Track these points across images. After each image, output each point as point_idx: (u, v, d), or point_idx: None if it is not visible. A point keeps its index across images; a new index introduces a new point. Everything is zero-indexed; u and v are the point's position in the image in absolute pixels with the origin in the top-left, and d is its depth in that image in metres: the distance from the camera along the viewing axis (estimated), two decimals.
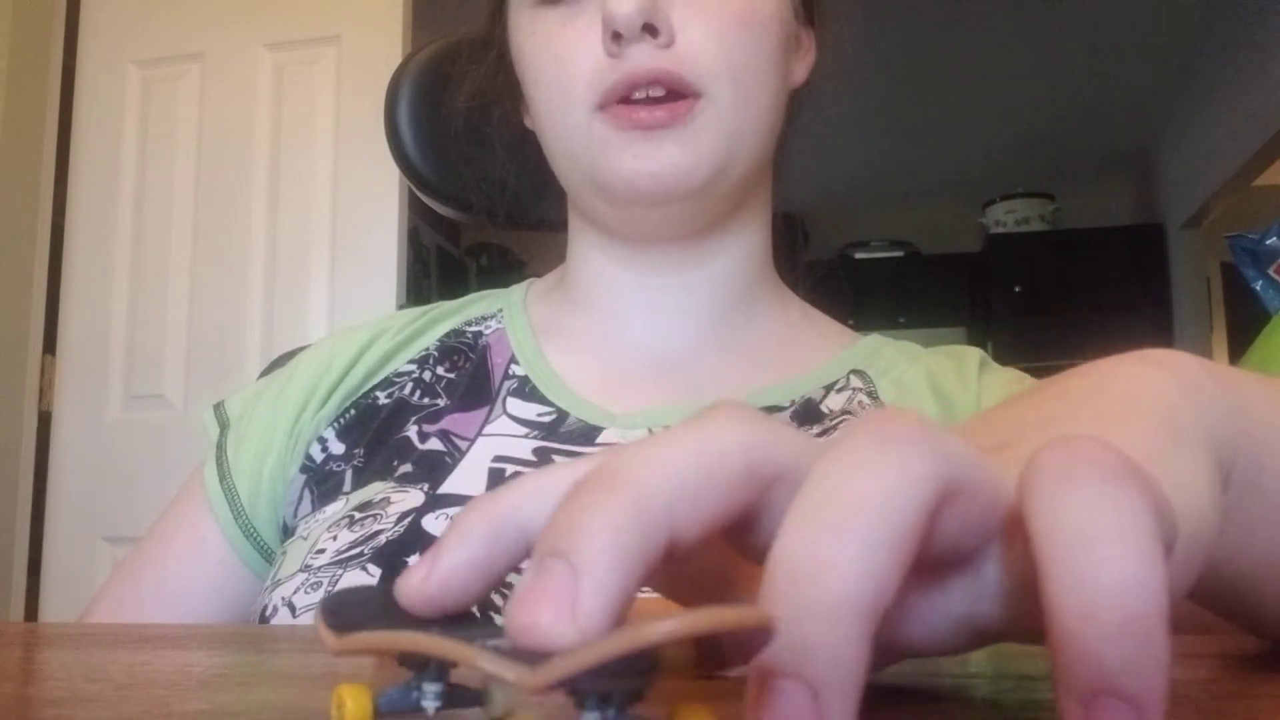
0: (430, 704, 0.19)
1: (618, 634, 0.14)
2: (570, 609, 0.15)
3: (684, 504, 0.17)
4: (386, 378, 0.62)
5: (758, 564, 0.19)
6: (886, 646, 0.19)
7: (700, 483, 0.17)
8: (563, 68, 0.55)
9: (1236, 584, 0.26)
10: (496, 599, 0.46)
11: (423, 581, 0.19)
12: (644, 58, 0.53)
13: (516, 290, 0.68)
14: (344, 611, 0.20)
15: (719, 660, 0.16)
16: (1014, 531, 0.18)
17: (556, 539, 0.16)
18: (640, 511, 0.16)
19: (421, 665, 0.19)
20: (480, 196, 0.70)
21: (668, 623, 0.14)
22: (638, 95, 0.53)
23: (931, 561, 0.18)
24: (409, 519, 0.50)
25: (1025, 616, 0.18)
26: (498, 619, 0.18)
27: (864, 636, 0.15)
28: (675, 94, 0.53)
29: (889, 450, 0.16)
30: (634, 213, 0.57)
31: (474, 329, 0.64)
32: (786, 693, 0.15)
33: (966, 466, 0.17)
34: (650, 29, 0.53)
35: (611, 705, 0.16)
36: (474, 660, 0.16)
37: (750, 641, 0.16)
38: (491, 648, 0.16)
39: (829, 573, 0.15)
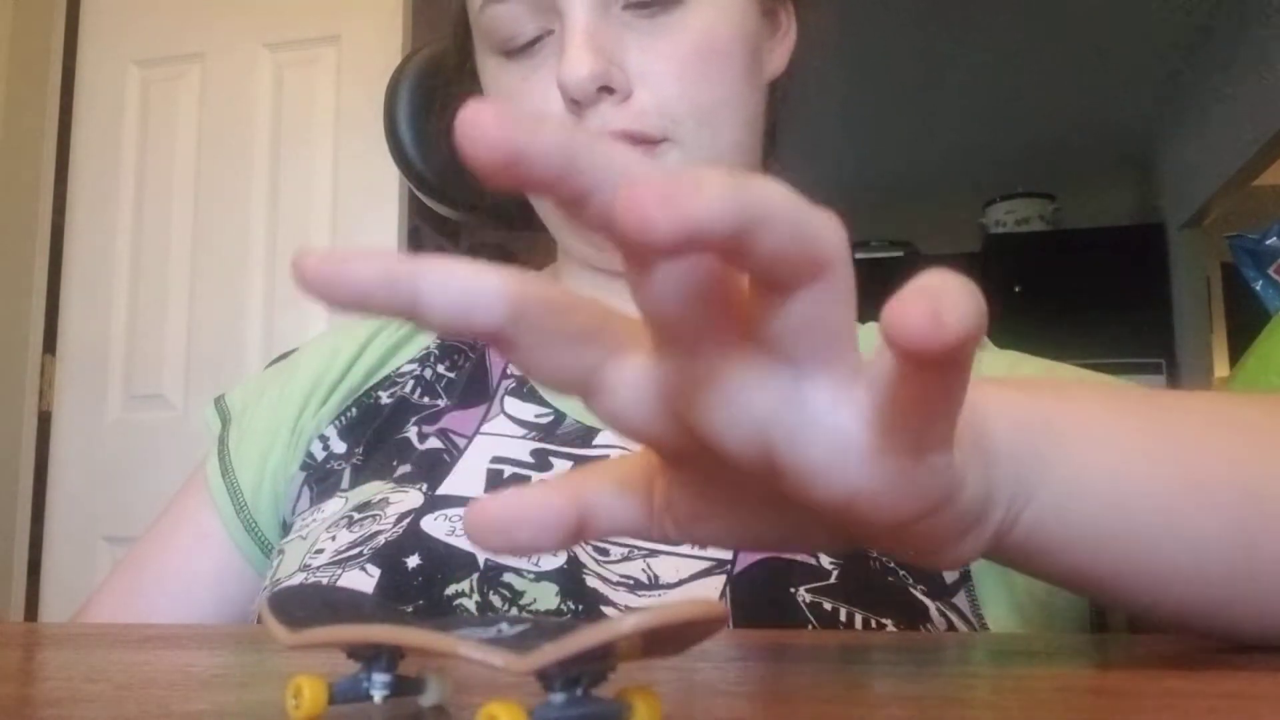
0: (379, 693, 0.21)
1: (593, 628, 0.16)
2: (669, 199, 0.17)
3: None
4: (388, 376, 0.62)
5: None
6: (697, 411, 0.22)
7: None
8: None
9: (1086, 575, 0.29)
10: (495, 600, 0.46)
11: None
12: (604, 119, 0.52)
13: None
14: (293, 609, 0.21)
15: (663, 648, 0.18)
16: None
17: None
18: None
19: (370, 657, 0.21)
20: (480, 197, 0.70)
21: (642, 616, 0.17)
22: None
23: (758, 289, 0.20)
24: (408, 520, 0.50)
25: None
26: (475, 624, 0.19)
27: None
28: (639, 143, 0.53)
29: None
30: (614, 257, 0.57)
31: None
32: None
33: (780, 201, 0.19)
34: (606, 89, 0.52)
35: (579, 686, 0.17)
36: (456, 649, 0.17)
37: (704, 632, 0.18)
38: (471, 638, 0.18)
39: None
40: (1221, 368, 3.46)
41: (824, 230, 0.20)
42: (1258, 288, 2.13)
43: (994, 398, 0.28)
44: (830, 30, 0.63)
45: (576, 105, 0.52)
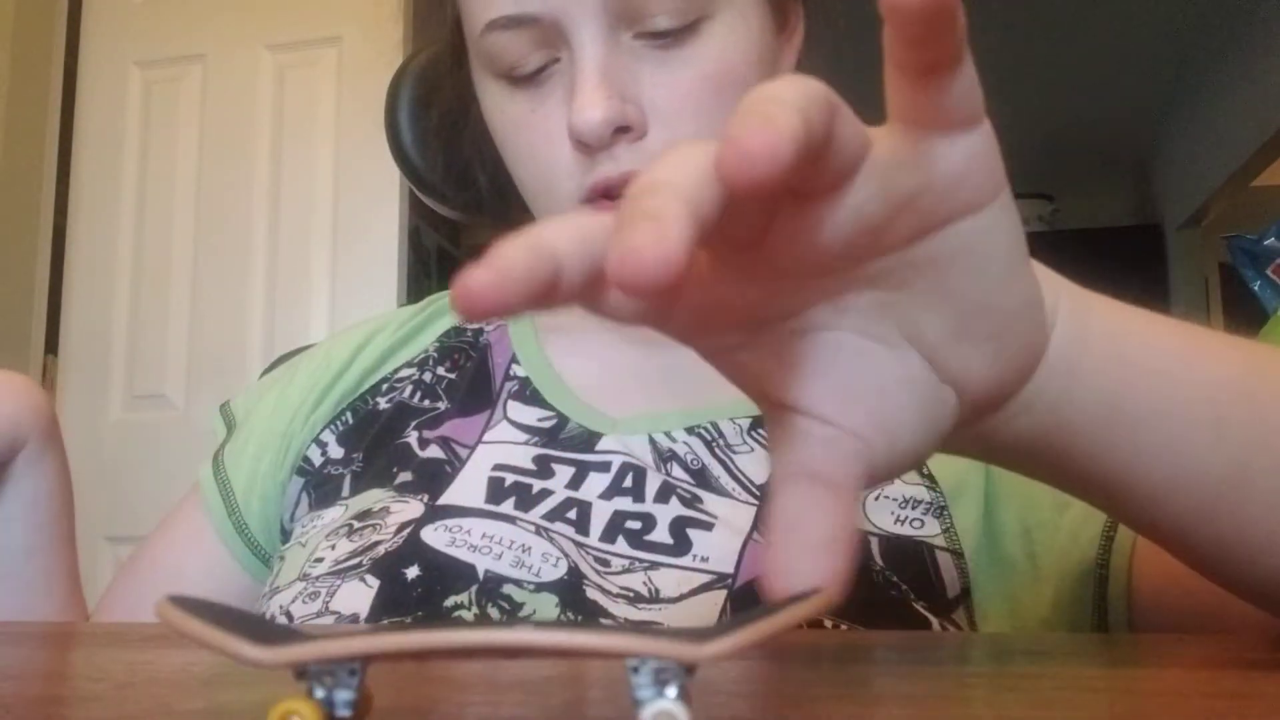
0: (342, 713, 0.18)
1: (754, 625, 0.17)
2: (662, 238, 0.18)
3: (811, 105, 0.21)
4: (386, 379, 0.62)
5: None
6: (816, 251, 0.24)
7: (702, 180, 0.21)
8: (538, 160, 0.53)
9: (1078, 439, 0.30)
10: (494, 612, 0.46)
11: (485, 275, 0.20)
12: (618, 160, 0.50)
13: None
14: (242, 623, 0.19)
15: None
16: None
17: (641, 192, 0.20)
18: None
19: (332, 677, 0.19)
20: (478, 197, 0.70)
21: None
22: (617, 192, 0.51)
23: (829, 174, 0.23)
24: (408, 530, 0.50)
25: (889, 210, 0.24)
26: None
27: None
28: None
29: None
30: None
31: (474, 327, 0.64)
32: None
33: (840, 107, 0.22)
34: (621, 129, 0.50)
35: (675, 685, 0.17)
36: (630, 647, 0.17)
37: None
38: (620, 632, 0.17)
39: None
40: None
41: (820, 89, 0.22)
42: (1256, 288, 2.13)
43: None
44: (834, 29, 0.62)
45: (588, 148, 0.50)
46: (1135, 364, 0.30)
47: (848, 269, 0.25)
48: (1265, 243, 2.10)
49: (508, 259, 0.20)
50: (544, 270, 0.21)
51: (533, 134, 0.53)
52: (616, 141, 0.50)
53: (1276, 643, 0.34)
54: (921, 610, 0.47)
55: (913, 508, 0.51)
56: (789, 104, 0.20)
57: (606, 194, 0.51)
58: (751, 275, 0.25)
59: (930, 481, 0.52)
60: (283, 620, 0.48)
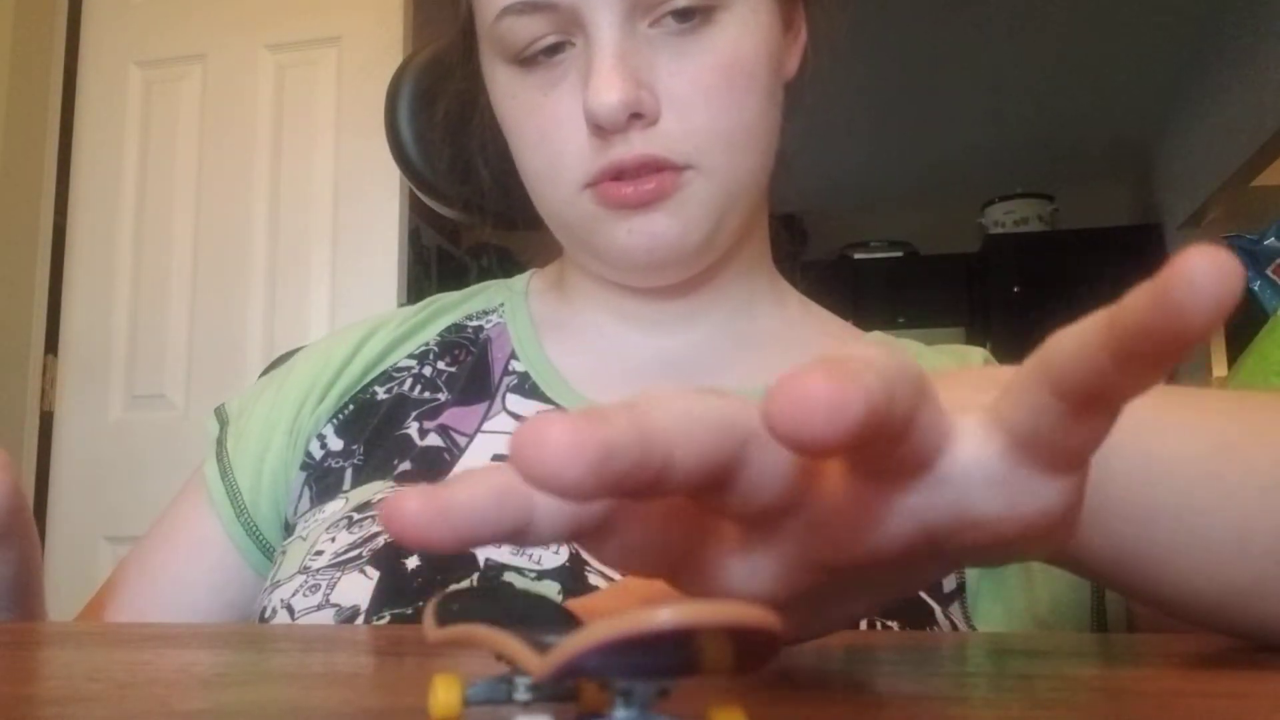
0: (522, 696, 0.19)
1: (614, 621, 0.14)
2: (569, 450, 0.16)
3: (680, 437, 0.18)
4: (386, 372, 0.62)
5: (732, 520, 0.21)
6: (852, 547, 0.21)
7: (692, 425, 0.18)
8: (549, 144, 0.54)
9: (1104, 558, 0.30)
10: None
11: (419, 507, 0.18)
12: (631, 144, 0.51)
13: (518, 282, 0.68)
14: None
15: (760, 659, 0.16)
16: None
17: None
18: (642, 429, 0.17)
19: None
20: (479, 197, 0.70)
21: (661, 613, 0.14)
22: (627, 175, 0.52)
23: (896, 464, 0.20)
24: None
25: (970, 509, 0.21)
26: None
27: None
28: (663, 168, 0.52)
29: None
30: (630, 276, 0.57)
31: (475, 323, 0.64)
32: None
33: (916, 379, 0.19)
34: (635, 115, 0.51)
35: (634, 703, 0.16)
36: (505, 648, 0.17)
37: (758, 645, 0.15)
38: (542, 643, 0.16)
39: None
40: (1219, 368, 3.46)
41: (912, 364, 0.19)
42: (1255, 288, 2.13)
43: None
44: (837, 30, 0.63)
45: (602, 131, 0.51)
46: (1158, 503, 0.29)
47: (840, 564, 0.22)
48: (1265, 242, 2.11)
49: (451, 499, 0.18)
50: (508, 515, 0.19)
51: (544, 119, 0.54)
52: (630, 126, 0.51)
53: (1271, 642, 0.34)
54: (926, 598, 0.47)
55: None
56: (874, 365, 0.17)
57: (617, 176, 0.52)
58: (749, 541, 0.22)
59: None
60: (284, 614, 0.48)
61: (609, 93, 0.49)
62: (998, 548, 0.22)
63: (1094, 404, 0.19)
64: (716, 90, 0.52)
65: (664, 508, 0.22)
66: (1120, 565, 0.30)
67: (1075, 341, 0.19)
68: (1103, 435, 0.20)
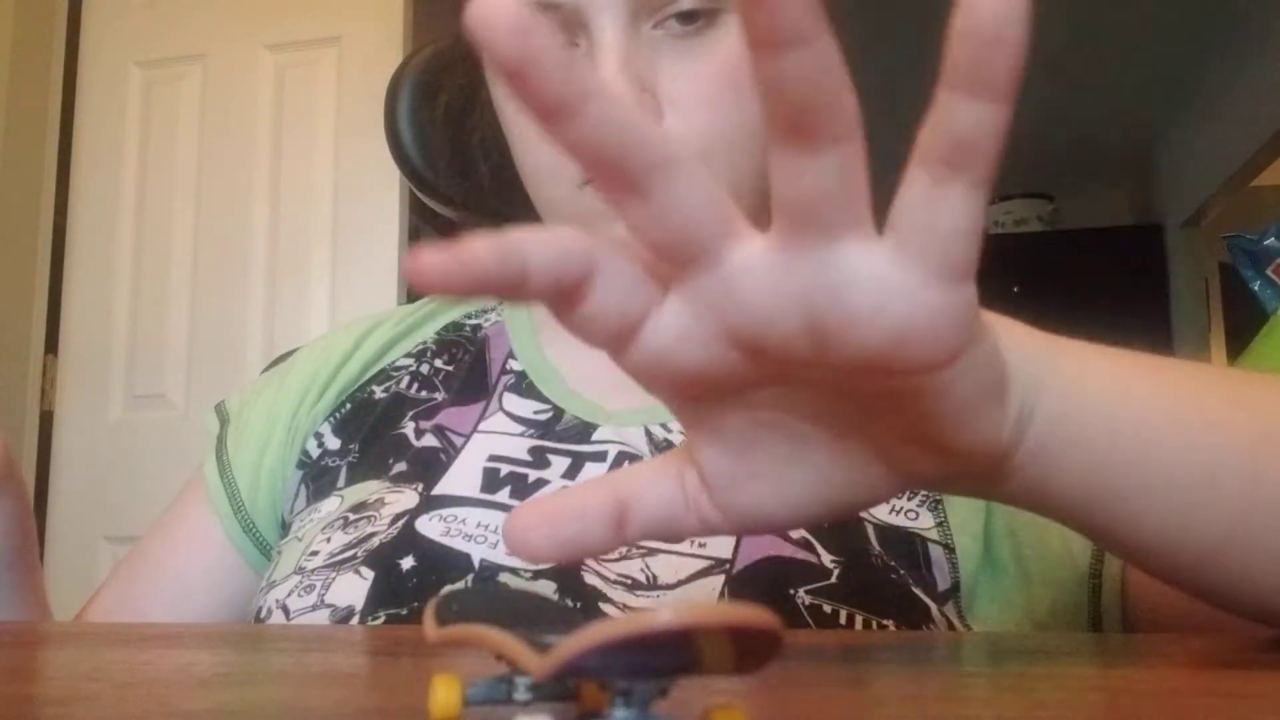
0: (522, 696, 0.19)
1: (609, 623, 0.14)
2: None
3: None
4: (383, 371, 0.62)
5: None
6: (751, 311, 0.24)
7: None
8: (549, 143, 0.54)
9: (1070, 502, 0.30)
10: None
11: (440, 259, 0.21)
12: None
13: None
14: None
15: (760, 660, 0.16)
16: None
17: None
18: None
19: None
20: (479, 197, 0.70)
21: (662, 614, 0.14)
22: None
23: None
24: (403, 521, 0.50)
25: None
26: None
27: None
28: None
29: None
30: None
31: (473, 321, 0.64)
32: None
33: None
34: None
35: (633, 703, 0.16)
36: (505, 648, 0.17)
37: (758, 645, 0.15)
38: (542, 643, 0.17)
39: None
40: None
41: (852, 94, 0.22)
42: (1255, 288, 2.13)
43: (998, 319, 0.29)
44: (840, 32, 0.63)
45: None
46: (1125, 445, 0.30)
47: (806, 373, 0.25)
48: (1265, 243, 2.11)
49: (471, 254, 0.21)
50: (506, 272, 0.22)
51: None
52: None
53: (1276, 643, 0.34)
54: (921, 596, 0.47)
55: (908, 499, 0.51)
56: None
57: None
58: (725, 355, 0.25)
59: None
60: (279, 614, 0.48)
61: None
62: (879, 365, 0.24)
63: (946, 170, 0.22)
64: (719, 93, 0.52)
65: (610, 282, 0.24)
66: (1092, 507, 0.30)
67: (929, 115, 0.23)
68: (968, 220, 0.23)
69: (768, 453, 0.27)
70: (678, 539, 0.30)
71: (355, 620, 0.46)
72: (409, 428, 0.57)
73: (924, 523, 0.50)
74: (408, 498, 0.52)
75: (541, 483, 0.52)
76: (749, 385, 0.26)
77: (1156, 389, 0.31)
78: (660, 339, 0.25)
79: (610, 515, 0.26)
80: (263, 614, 0.50)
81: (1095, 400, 0.30)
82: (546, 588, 0.46)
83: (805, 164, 0.22)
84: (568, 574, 0.46)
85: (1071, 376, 0.30)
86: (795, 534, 0.48)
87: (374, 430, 0.58)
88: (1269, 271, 2.08)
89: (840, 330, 0.23)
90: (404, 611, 0.46)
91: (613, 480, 0.27)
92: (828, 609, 0.45)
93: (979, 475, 0.29)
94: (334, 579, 0.48)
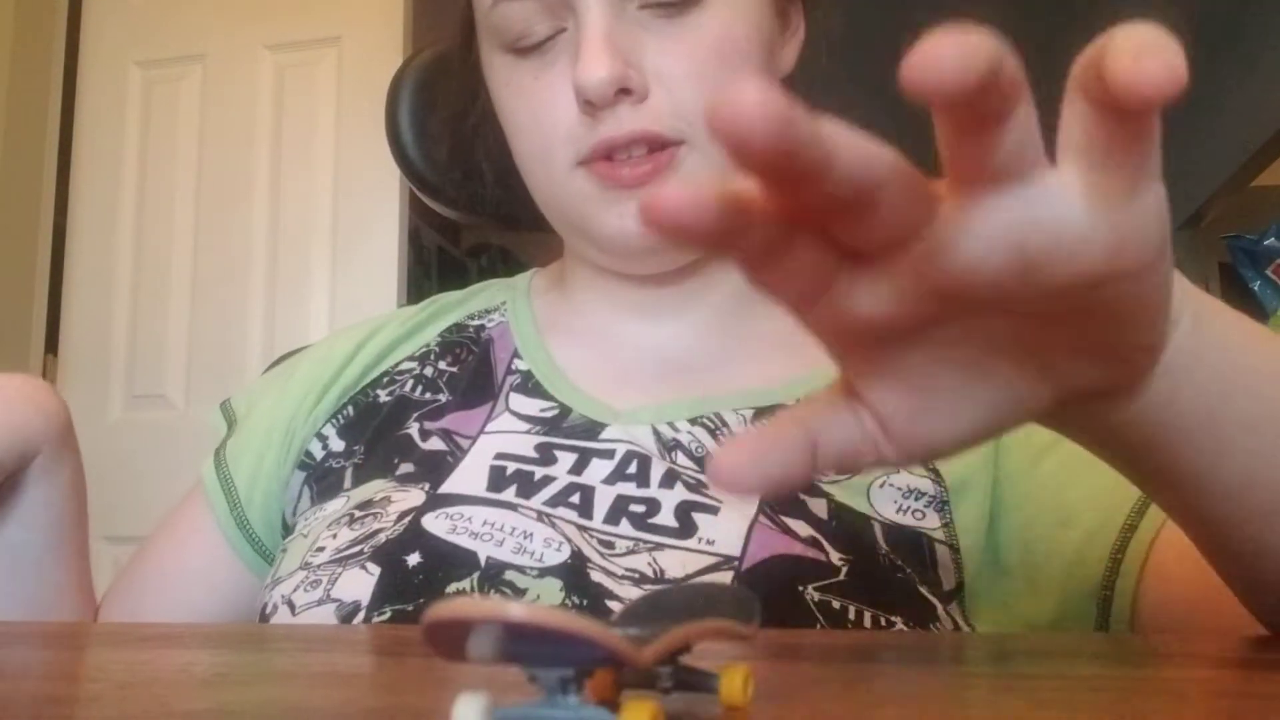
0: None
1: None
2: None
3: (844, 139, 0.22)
4: (388, 374, 0.62)
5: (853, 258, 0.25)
6: (955, 258, 0.23)
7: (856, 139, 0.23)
8: (540, 125, 0.54)
9: (1172, 435, 0.31)
10: (497, 597, 0.46)
11: (683, 194, 0.21)
12: (620, 120, 0.52)
13: (520, 280, 0.68)
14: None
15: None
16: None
17: None
18: None
19: (555, 685, 0.18)
20: (480, 197, 0.70)
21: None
22: (619, 155, 0.53)
23: (997, 168, 0.23)
24: (409, 518, 0.50)
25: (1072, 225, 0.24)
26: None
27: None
28: (656, 145, 0.52)
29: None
30: (627, 261, 0.58)
31: (477, 322, 0.64)
32: None
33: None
34: (623, 91, 0.51)
35: (572, 689, 0.18)
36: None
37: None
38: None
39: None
40: None
41: (1013, 58, 0.23)
42: (1255, 288, 2.13)
43: None
44: (838, 28, 0.63)
45: (592, 107, 0.52)
46: (1238, 379, 0.31)
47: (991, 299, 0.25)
48: (1265, 243, 2.11)
49: (710, 194, 0.21)
50: (734, 220, 0.22)
51: (535, 100, 0.54)
52: (619, 102, 0.52)
53: (1276, 643, 0.34)
54: (927, 594, 0.47)
55: (915, 499, 0.51)
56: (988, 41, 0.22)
57: (608, 155, 0.53)
58: (902, 286, 0.25)
59: (935, 475, 0.52)
60: (285, 610, 0.48)
61: (596, 68, 0.50)
62: (1096, 280, 0.24)
63: (1118, 105, 0.23)
64: (705, 68, 0.53)
65: (807, 246, 0.24)
66: (1197, 436, 0.31)
67: (1088, 52, 0.24)
68: (1147, 142, 0.24)
69: (944, 385, 0.27)
70: (855, 472, 0.31)
71: (361, 615, 0.46)
72: (414, 428, 0.57)
73: (930, 523, 0.50)
74: (414, 496, 0.52)
75: (548, 479, 0.52)
76: (936, 324, 0.26)
77: (1263, 340, 0.32)
78: (855, 300, 0.25)
79: (806, 447, 0.26)
80: (268, 610, 0.50)
81: (1220, 335, 0.31)
82: (552, 585, 0.46)
83: (1002, 135, 0.23)
84: (574, 571, 0.46)
85: (1205, 310, 0.31)
86: (804, 533, 0.48)
87: (379, 432, 0.58)
88: (1269, 272, 2.08)
89: (1054, 258, 0.24)
90: (410, 607, 0.46)
91: (801, 415, 0.27)
92: (836, 605, 0.45)
93: (1128, 386, 0.29)
94: (340, 574, 0.48)
